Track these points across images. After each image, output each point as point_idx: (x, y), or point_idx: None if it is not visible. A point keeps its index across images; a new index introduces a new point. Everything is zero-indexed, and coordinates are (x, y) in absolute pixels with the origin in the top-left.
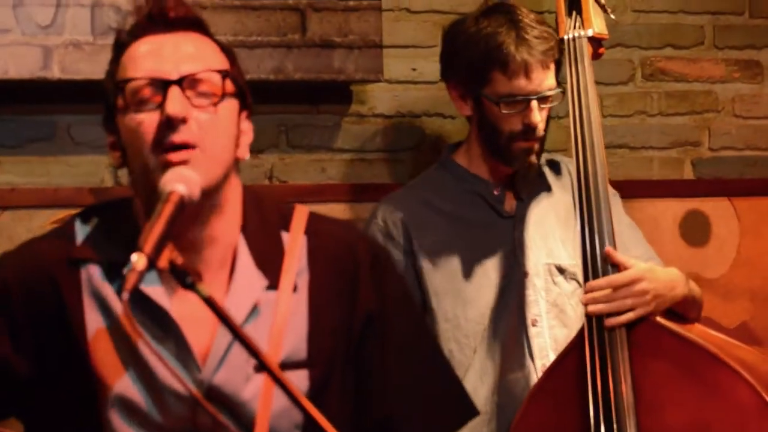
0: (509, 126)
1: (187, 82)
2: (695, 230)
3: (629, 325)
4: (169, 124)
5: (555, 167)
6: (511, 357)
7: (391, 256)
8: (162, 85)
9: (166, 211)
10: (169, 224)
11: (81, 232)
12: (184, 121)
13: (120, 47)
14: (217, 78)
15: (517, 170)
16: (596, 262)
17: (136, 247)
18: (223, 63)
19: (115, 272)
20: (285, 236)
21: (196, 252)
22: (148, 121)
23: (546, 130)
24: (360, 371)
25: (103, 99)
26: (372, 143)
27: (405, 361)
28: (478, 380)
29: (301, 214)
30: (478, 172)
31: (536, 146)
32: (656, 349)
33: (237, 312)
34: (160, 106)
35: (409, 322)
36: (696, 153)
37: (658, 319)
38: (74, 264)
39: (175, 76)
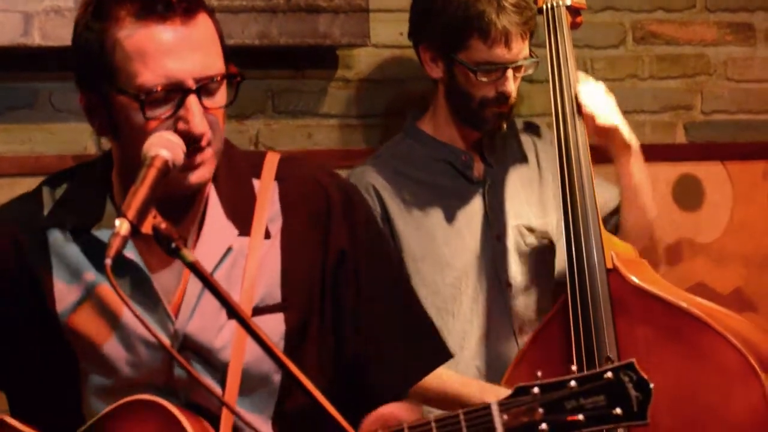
0: (482, 92)
1: (203, 90)
2: (688, 195)
3: (613, 290)
4: (193, 140)
5: (534, 130)
6: (490, 320)
7: (362, 196)
8: (179, 91)
9: (150, 175)
10: (152, 189)
11: (49, 197)
12: (203, 134)
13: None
14: (224, 82)
15: (486, 134)
16: (579, 233)
17: (106, 208)
18: (222, 52)
19: (83, 235)
20: (256, 183)
21: (166, 204)
22: (162, 127)
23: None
24: (336, 310)
25: (80, 57)
26: (359, 108)
27: (377, 299)
28: (457, 346)
29: (271, 160)
30: (444, 139)
31: (507, 111)
32: (641, 314)
33: (208, 259)
34: (175, 113)
35: (382, 261)
36: (688, 117)
37: (643, 284)
38: (41, 229)
39: (191, 83)
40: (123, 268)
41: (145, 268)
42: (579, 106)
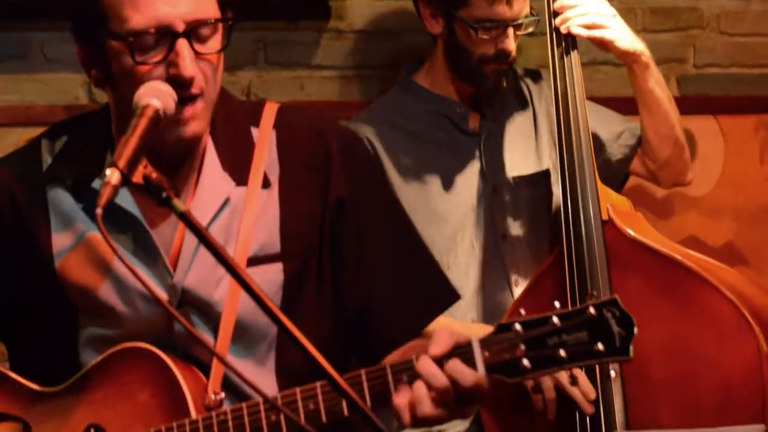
0: (482, 49)
1: (194, 34)
2: None
3: (608, 243)
4: (182, 84)
5: (532, 76)
6: (485, 272)
7: (362, 143)
8: (168, 34)
9: (141, 125)
10: (143, 139)
11: (47, 151)
12: (193, 78)
13: None
14: (218, 25)
15: (484, 91)
16: (574, 185)
17: (107, 162)
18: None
19: (82, 189)
20: (255, 132)
21: (162, 155)
22: (153, 72)
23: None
24: (335, 260)
25: (74, 3)
26: (351, 60)
27: (379, 246)
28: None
29: (270, 108)
30: (440, 92)
31: (506, 68)
32: (636, 266)
33: (205, 211)
34: (166, 57)
35: (383, 207)
36: (681, 70)
37: (638, 236)
38: (39, 184)
39: (181, 26)
40: (123, 222)
41: (145, 222)
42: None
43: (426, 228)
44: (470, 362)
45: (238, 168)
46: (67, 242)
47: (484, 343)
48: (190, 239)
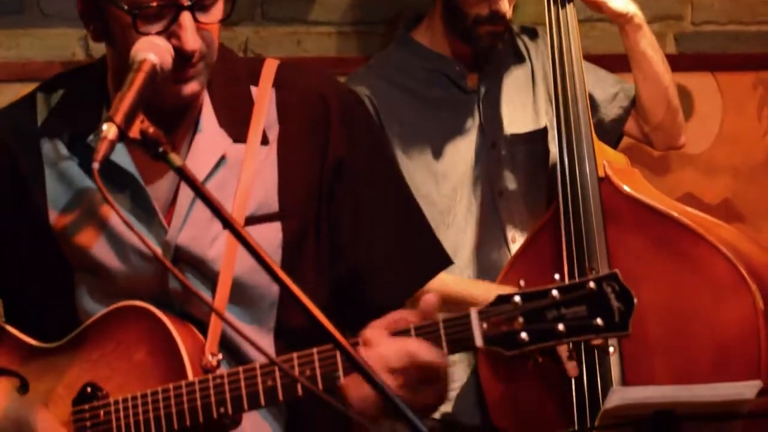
0: (476, 10)
1: (197, 5)
2: None
3: (604, 199)
4: (184, 56)
5: (529, 33)
6: (483, 230)
7: (363, 104)
8: (173, 6)
9: (138, 80)
10: (140, 94)
11: (43, 104)
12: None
13: None
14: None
15: (480, 52)
16: (571, 141)
17: (103, 118)
18: None
19: (78, 144)
20: (254, 90)
21: (159, 112)
22: None
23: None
24: (332, 221)
25: None
26: (349, 15)
27: (374, 208)
28: (452, 255)
29: (270, 66)
30: (439, 50)
31: (502, 30)
32: (632, 223)
33: (200, 167)
34: (168, 28)
35: (381, 169)
36: (678, 27)
37: (635, 193)
38: (34, 138)
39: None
40: (119, 179)
41: (141, 179)
42: None
43: (425, 186)
44: (468, 333)
45: (235, 125)
46: (62, 197)
47: (483, 314)
48: (185, 196)
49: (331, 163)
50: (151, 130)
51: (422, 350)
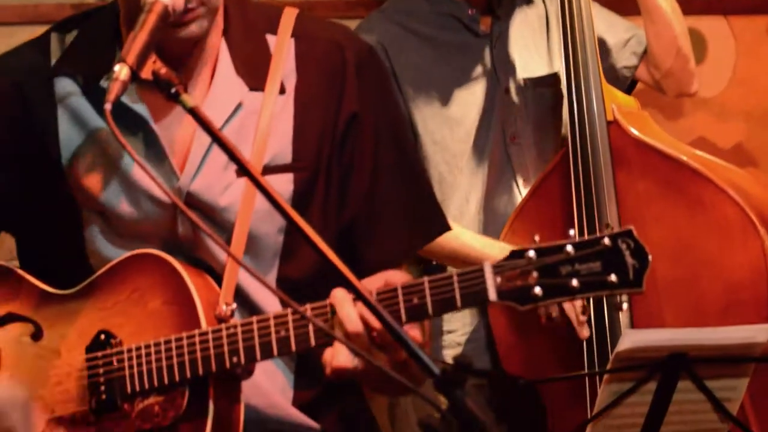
0: None
1: None
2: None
3: (613, 143)
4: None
5: None
6: (495, 174)
7: (380, 60)
8: None
9: (150, 21)
10: (152, 34)
11: (57, 45)
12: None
13: None
14: None
15: None
16: (579, 84)
17: (116, 60)
18: None
19: (92, 86)
20: (271, 39)
21: (176, 57)
22: None
23: None
24: (340, 174)
25: None
26: None
27: (381, 166)
28: (464, 200)
29: (288, 16)
30: None
31: None
32: (641, 167)
33: (217, 115)
34: None
35: (391, 128)
36: None
37: (643, 136)
38: (48, 77)
39: None
40: (131, 123)
41: (153, 123)
42: None
43: (439, 131)
44: (482, 287)
45: (253, 74)
46: (75, 138)
47: (497, 268)
48: (200, 143)
49: (345, 118)
50: (163, 70)
51: (373, 318)
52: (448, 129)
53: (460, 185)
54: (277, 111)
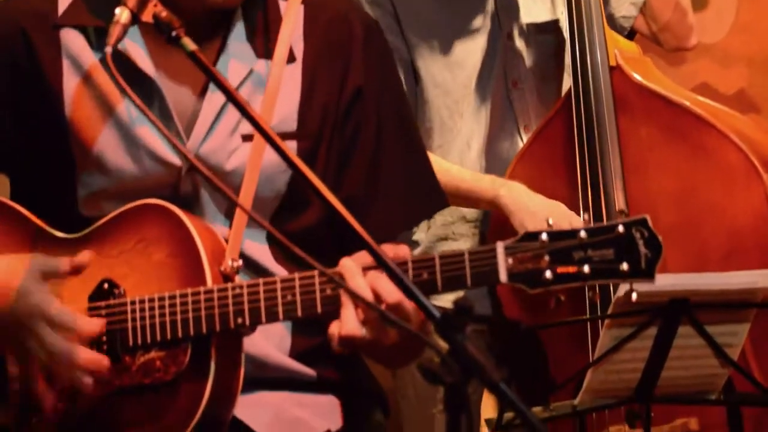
0: None
1: None
2: None
3: (615, 88)
4: None
5: None
6: (497, 120)
7: (383, 34)
8: None
9: None
10: None
11: None
12: None
13: None
14: None
15: None
16: (582, 29)
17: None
18: None
19: (98, 38)
20: (282, 5)
21: (187, 26)
22: None
23: None
24: (341, 145)
25: None
26: None
27: (383, 140)
28: (465, 145)
29: None
30: None
31: None
32: (644, 113)
33: (230, 77)
34: None
35: (394, 103)
36: None
37: (646, 82)
38: (54, 27)
39: None
40: (139, 82)
41: (159, 82)
42: None
43: (440, 74)
44: (493, 267)
45: (263, 40)
46: (79, 90)
47: (509, 249)
48: (210, 106)
49: (350, 91)
50: (164, 14)
51: (385, 289)
52: (450, 73)
53: (460, 130)
54: (286, 79)
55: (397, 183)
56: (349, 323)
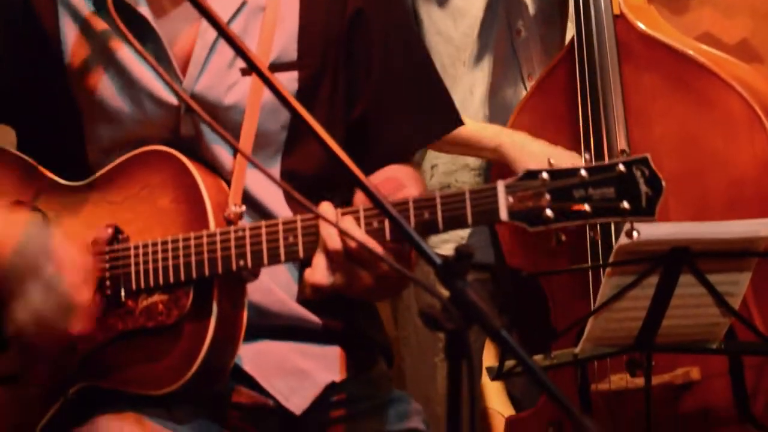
0: None
1: None
2: None
3: (619, 37)
4: None
5: None
6: (501, 68)
7: None
8: None
9: None
10: None
11: None
12: None
13: None
14: None
15: None
16: None
17: None
18: None
19: None
20: None
21: None
22: None
23: None
24: (347, 70)
25: None
26: None
27: (392, 61)
28: (467, 92)
29: None
30: None
31: None
32: (647, 61)
33: (222, 12)
34: None
35: (399, 22)
36: None
37: (650, 30)
38: None
39: None
40: (135, 24)
41: (155, 23)
42: None
43: (443, 22)
44: (494, 206)
45: None
46: (77, 37)
47: (510, 188)
48: (203, 43)
49: (350, 14)
50: None
51: (354, 232)
52: (452, 21)
53: (462, 78)
54: (282, 8)
55: (410, 100)
56: (317, 271)
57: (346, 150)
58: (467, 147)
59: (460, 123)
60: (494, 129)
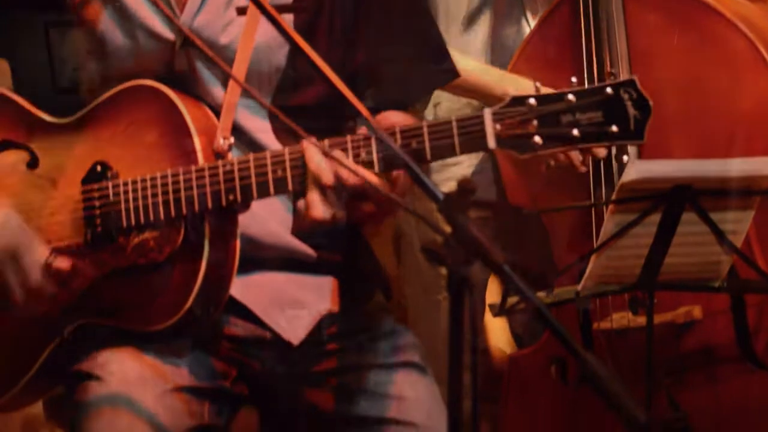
0: None
1: None
2: None
3: None
4: None
5: None
6: (503, 7)
7: None
8: None
9: None
10: None
11: None
12: None
13: None
14: None
15: None
16: None
17: None
18: None
19: None
20: None
21: None
22: None
23: None
24: (344, 16)
25: None
26: None
27: (391, 10)
28: (470, 30)
29: None
30: None
31: None
32: (651, 0)
33: None
34: None
35: None
36: None
37: None
38: None
39: None
40: None
41: None
42: None
43: None
44: (481, 134)
45: None
46: None
47: (496, 116)
48: None
49: None
50: None
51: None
52: None
53: (464, 18)
54: None
55: (409, 47)
56: (314, 207)
57: (334, 103)
58: (470, 91)
59: (457, 75)
60: (499, 75)
